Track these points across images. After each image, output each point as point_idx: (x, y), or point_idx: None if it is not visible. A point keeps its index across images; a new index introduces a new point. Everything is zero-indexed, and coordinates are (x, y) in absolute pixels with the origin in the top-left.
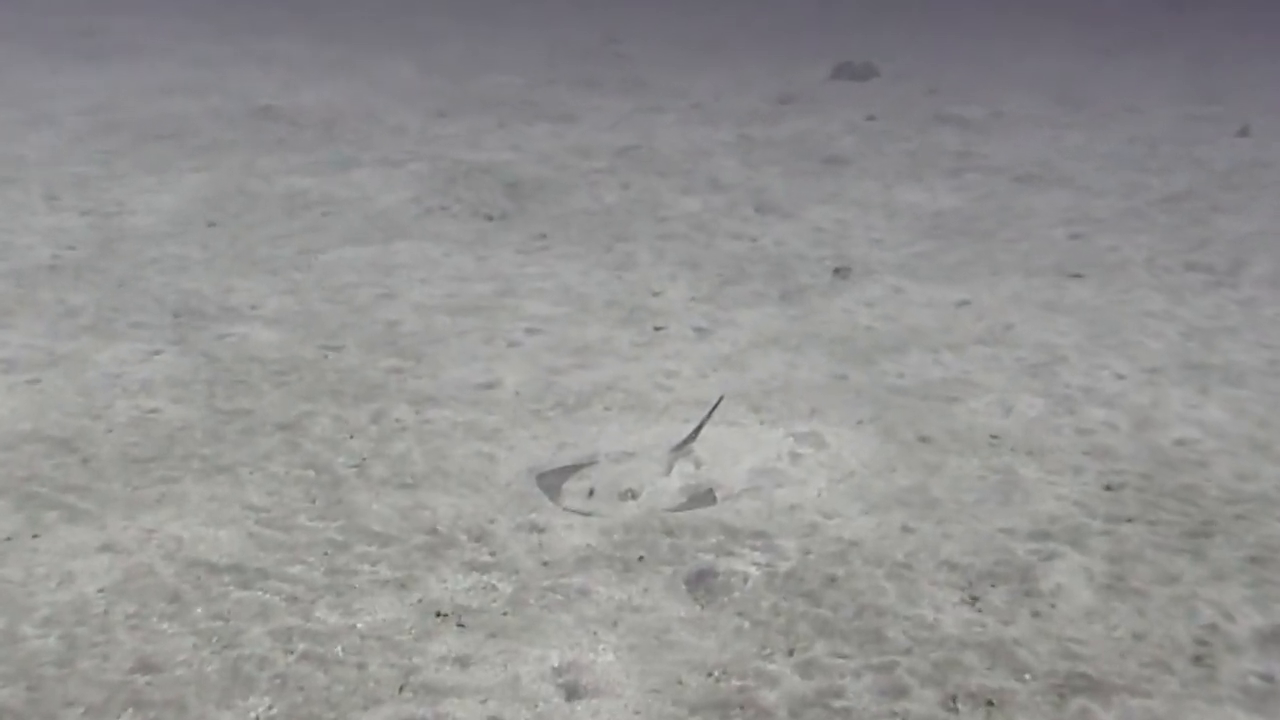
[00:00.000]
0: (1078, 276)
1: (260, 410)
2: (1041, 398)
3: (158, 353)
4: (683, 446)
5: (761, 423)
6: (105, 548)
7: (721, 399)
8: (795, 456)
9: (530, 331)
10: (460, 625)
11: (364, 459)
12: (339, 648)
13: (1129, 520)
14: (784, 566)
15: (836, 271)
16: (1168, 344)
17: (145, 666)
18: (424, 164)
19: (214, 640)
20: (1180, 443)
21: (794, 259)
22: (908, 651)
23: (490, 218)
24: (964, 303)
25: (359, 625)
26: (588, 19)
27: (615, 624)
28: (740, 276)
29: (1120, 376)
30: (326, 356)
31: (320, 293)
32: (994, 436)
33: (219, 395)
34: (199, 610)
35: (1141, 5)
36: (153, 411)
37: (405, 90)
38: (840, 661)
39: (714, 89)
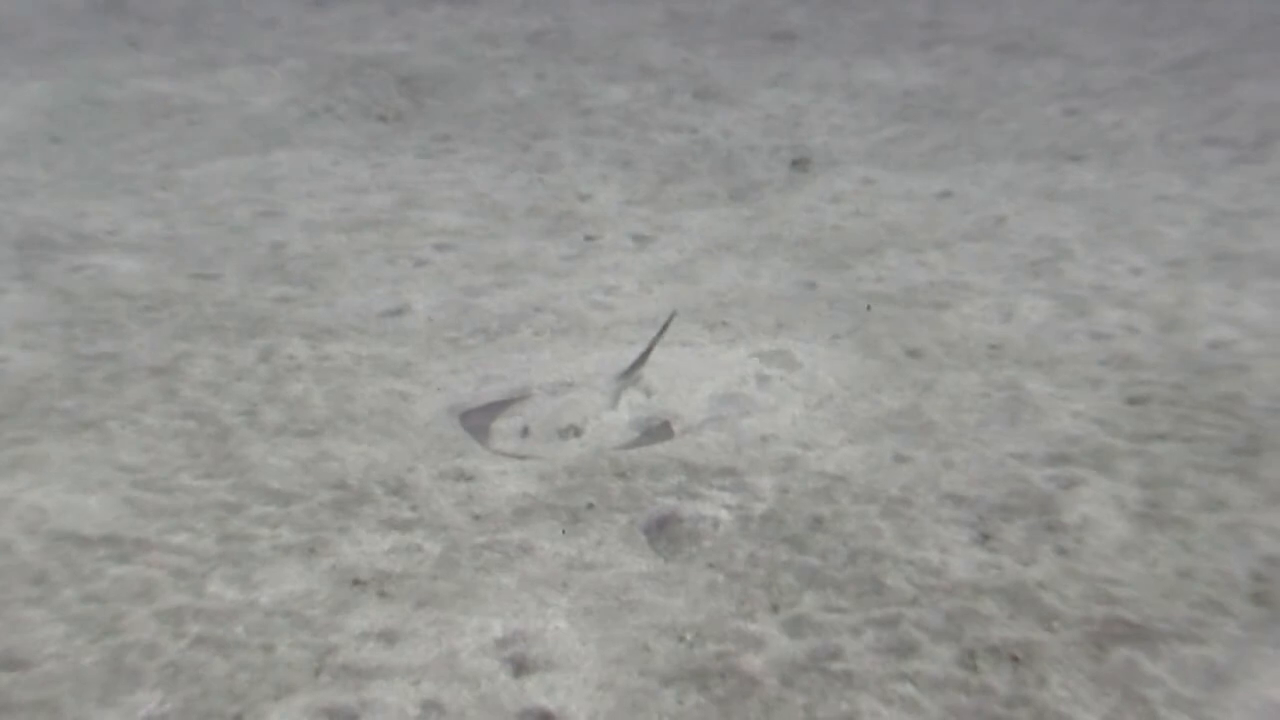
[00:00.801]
0: (1077, 159)
1: (128, 353)
2: (1046, 299)
3: (1, 292)
4: (630, 373)
5: (719, 342)
6: None
7: (673, 316)
8: (763, 379)
9: (440, 248)
10: (382, 594)
11: (254, 405)
12: (240, 628)
13: (1161, 438)
14: (759, 508)
15: (794, 164)
16: (1189, 232)
17: (8, 662)
18: (302, 60)
19: (90, 627)
20: (1215, 345)
21: (744, 151)
22: (913, 602)
23: (384, 119)
24: (946, 194)
25: (262, 600)
26: None
27: (565, 585)
28: (682, 174)
29: (1137, 271)
30: (202, 287)
31: (190, 213)
32: (993, 346)
33: (78, 338)
34: (69, 592)
35: None
36: (0, 361)
37: None
38: (834, 617)
39: None
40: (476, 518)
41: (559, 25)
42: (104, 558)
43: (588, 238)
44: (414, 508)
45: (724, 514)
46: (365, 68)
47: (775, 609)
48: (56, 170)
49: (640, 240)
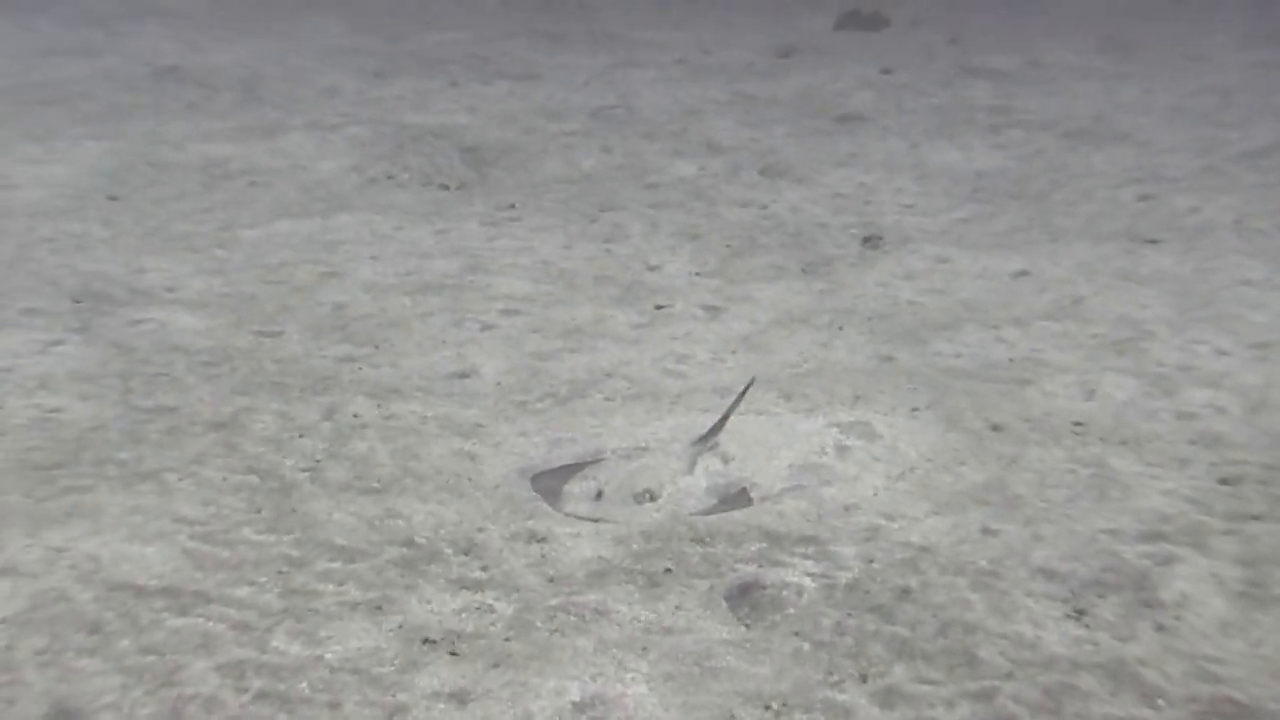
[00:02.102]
0: (1154, 242)
1: (187, 407)
2: (1131, 378)
3: (57, 343)
4: (707, 439)
5: (796, 412)
6: (4, 571)
7: (752, 382)
8: (842, 449)
9: (507, 313)
10: (453, 654)
11: (318, 461)
12: (304, 684)
13: (1256, 518)
14: (844, 577)
15: (866, 240)
16: (1273, 315)
17: (62, 712)
18: (363, 128)
19: (146, 678)
20: None
21: (813, 227)
22: (1009, 676)
23: (447, 187)
24: (1022, 273)
25: (327, 656)
26: None
27: (644, 649)
28: (752, 248)
29: (1223, 353)
30: (263, 344)
31: (251, 272)
32: (1078, 424)
33: (135, 391)
34: (125, 643)
35: None
36: (55, 411)
37: (334, 49)
38: (927, 689)
39: (699, 42)
40: (550, 580)
41: (623, 102)
42: (162, 609)
43: (658, 307)
44: (485, 568)
45: (808, 582)
46: (427, 137)
47: (864, 679)
48: (114, 227)
49: (711, 310)
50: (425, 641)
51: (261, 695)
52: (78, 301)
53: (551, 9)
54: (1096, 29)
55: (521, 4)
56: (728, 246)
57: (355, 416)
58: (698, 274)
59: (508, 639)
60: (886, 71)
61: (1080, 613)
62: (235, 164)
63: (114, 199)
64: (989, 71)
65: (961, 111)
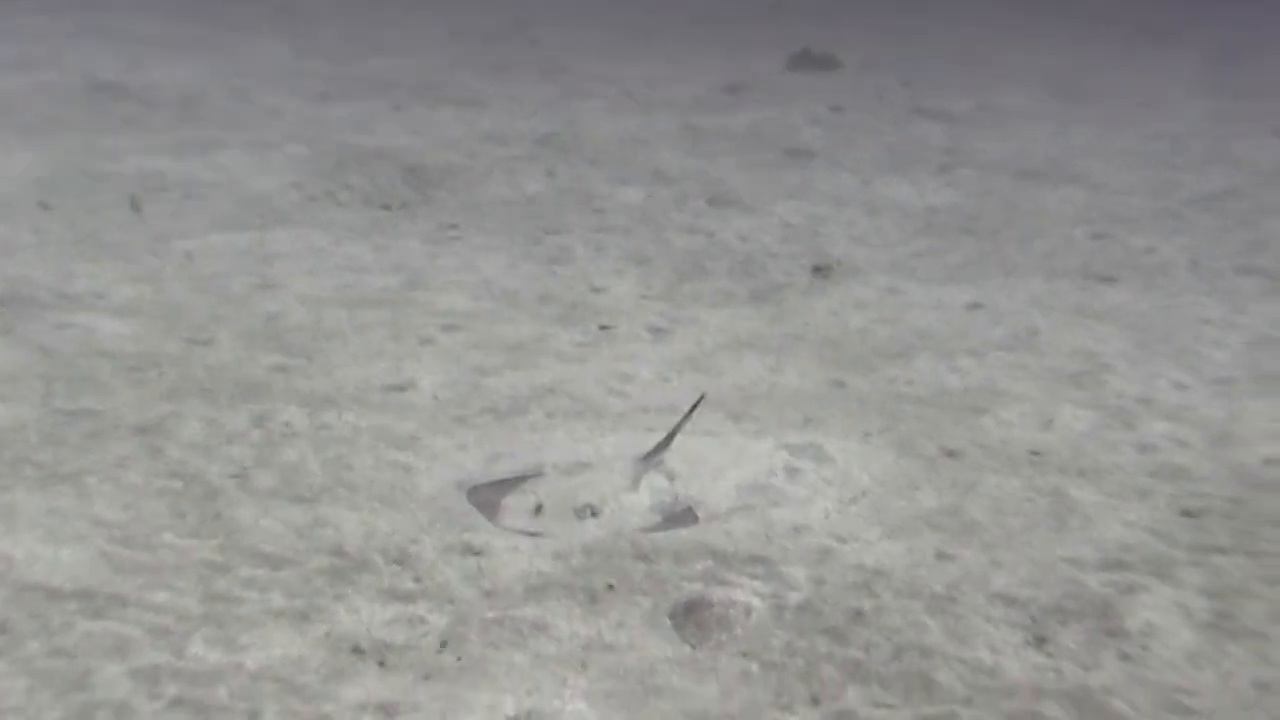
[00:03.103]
0: (1110, 280)
1: (111, 411)
2: (1089, 410)
3: None
4: (652, 456)
5: (745, 433)
6: None
7: (702, 398)
8: (792, 471)
9: (447, 328)
10: (382, 664)
11: (245, 468)
12: (222, 691)
13: (1221, 551)
14: (794, 598)
15: (816, 269)
16: (1233, 353)
17: None
18: (304, 147)
19: (55, 681)
20: (1271, 462)
21: (763, 255)
22: (968, 701)
23: (388, 206)
24: (976, 305)
25: (248, 663)
26: (496, 5)
27: (584, 665)
28: (699, 273)
29: (1183, 387)
30: (193, 351)
31: (183, 282)
32: (1035, 453)
33: (58, 393)
34: (34, 645)
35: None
36: None
37: (279, 71)
38: (882, 713)
39: (648, 76)
40: (486, 593)
41: (569, 130)
42: (75, 612)
43: (602, 327)
44: (417, 579)
45: (756, 601)
46: (369, 158)
47: (816, 701)
48: (44, 234)
49: (657, 332)
50: (353, 651)
51: (176, 702)
52: (1, 304)
53: (500, 41)
54: (1049, 77)
55: (470, 36)
56: (675, 271)
57: (286, 425)
58: (644, 296)
59: (440, 651)
60: (837, 109)
61: (1041, 640)
62: (171, 177)
63: (45, 207)
64: (941, 113)
65: (913, 150)
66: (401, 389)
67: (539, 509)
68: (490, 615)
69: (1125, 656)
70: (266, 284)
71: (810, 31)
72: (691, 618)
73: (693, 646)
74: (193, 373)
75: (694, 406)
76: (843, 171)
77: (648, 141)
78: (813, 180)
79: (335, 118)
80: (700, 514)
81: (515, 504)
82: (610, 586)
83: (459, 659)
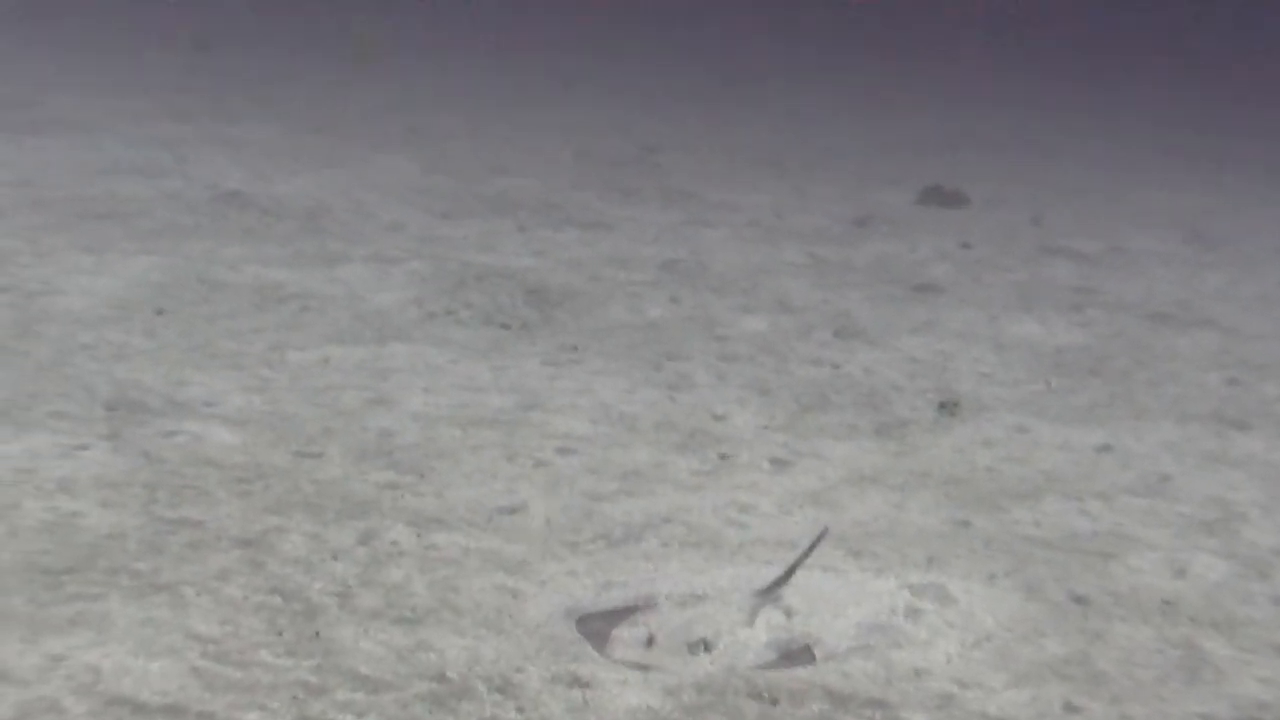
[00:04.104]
0: (1243, 427)
1: (214, 522)
2: (1223, 559)
3: (83, 447)
4: (770, 591)
5: (865, 570)
6: None
7: (825, 532)
8: (914, 612)
9: (562, 451)
10: None
11: (348, 587)
12: None
13: None
14: None
15: (942, 406)
16: None
17: None
18: (426, 263)
19: None
20: None
21: (888, 389)
22: None
23: (508, 326)
24: (1105, 447)
25: None
26: (622, 128)
27: None
28: (823, 405)
29: None
30: (301, 465)
31: (296, 394)
32: (1167, 602)
33: (161, 501)
34: None
35: (1272, 145)
36: (73, 515)
37: (403, 187)
38: None
39: (774, 207)
40: None
41: (693, 256)
42: None
43: (722, 456)
44: (520, 709)
45: None
46: (491, 276)
47: None
48: (158, 339)
49: (778, 464)
50: None
51: None
52: (111, 409)
53: (625, 165)
54: (1181, 221)
55: (595, 159)
56: (798, 402)
57: (393, 544)
58: (765, 427)
59: None
60: (966, 246)
61: None
62: (290, 288)
63: (161, 313)
64: (1071, 252)
65: (1042, 288)
66: (513, 511)
67: (650, 641)
68: None
69: None
70: (380, 399)
71: (938, 166)
72: None
73: None
74: (300, 486)
75: (816, 540)
76: (970, 308)
77: (773, 271)
78: (940, 316)
79: (458, 236)
80: (818, 653)
81: (626, 635)
82: None
83: None
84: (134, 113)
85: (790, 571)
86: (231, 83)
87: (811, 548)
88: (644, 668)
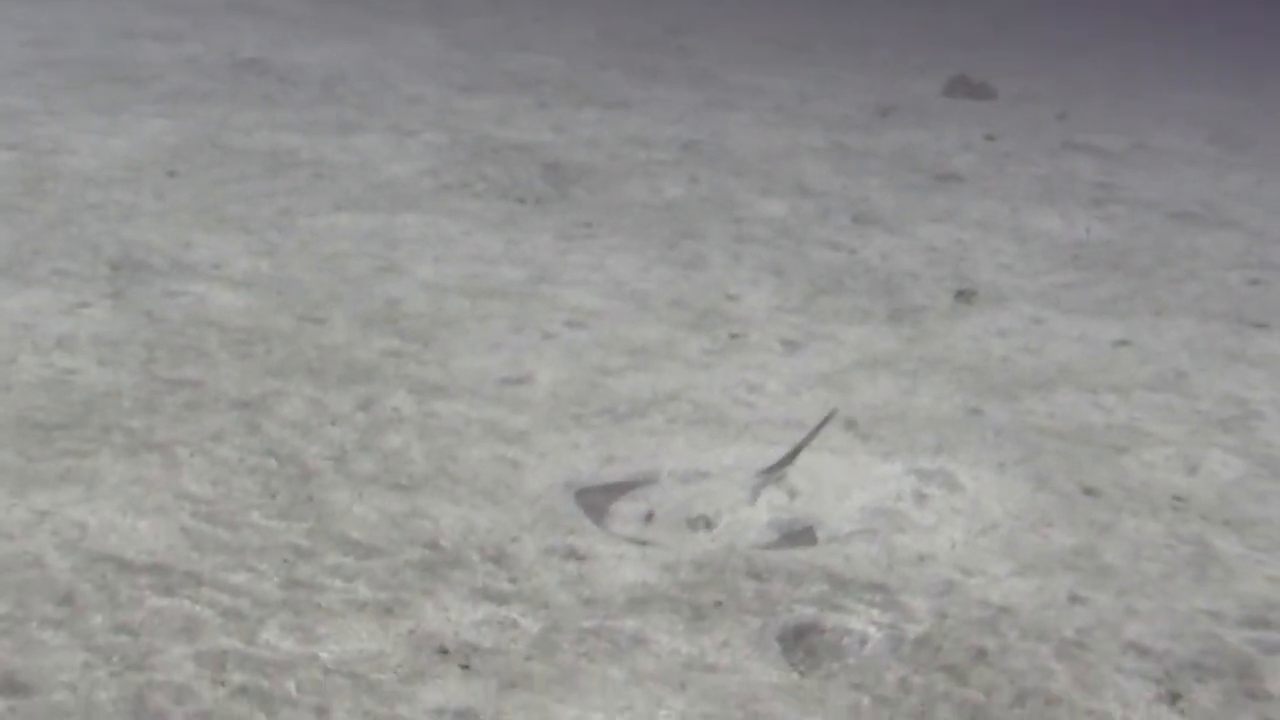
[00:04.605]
0: (1263, 326)
1: (213, 383)
2: (1238, 457)
3: (84, 305)
4: (774, 470)
5: (873, 454)
6: None
7: (833, 413)
8: (920, 497)
9: (571, 324)
10: (465, 667)
11: (345, 451)
12: (291, 683)
13: None
14: (914, 630)
15: (959, 294)
16: None
17: (9, 685)
18: (443, 135)
19: (114, 659)
20: None
21: (904, 276)
22: None
23: (523, 200)
24: (1123, 342)
25: (322, 655)
26: (650, 9)
27: (683, 685)
28: (837, 288)
29: None
30: (305, 329)
31: (304, 258)
32: (1178, 498)
33: (160, 361)
34: (98, 619)
35: None
36: (69, 372)
37: (424, 60)
38: None
39: (799, 92)
40: (585, 600)
41: (714, 138)
42: (145, 587)
43: (733, 335)
44: (513, 580)
45: (872, 631)
46: (508, 151)
47: None
48: (167, 201)
49: (789, 345)
50: (437, 651)
51: (240, 690)
52: (115, 268)
53: (650, 46)
54: (1208, 121)
55: (621, 39)
56: (812, 285)
57: (393, 410)
58: (778, 308)
59: (529, 658)
60: (990, 137)
61: (1175, 696)
62: (304, 155)
63: (172, 174)
64: (1094, 149)
65: (1064, 182)
66: (518, 382)
67: (650, 516)
68: (587, 624)
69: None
70: (389, 267)
71: (967, 59)
72: (802, 643)
73: (801, 674)
74: (302, 350)
75: (824, 421)
76: (991, 199)
77: (794, 156)
78: (960, 205)
79: (477, 110)
80: (819, 534)
81: (625, 510)
82: (718, 603)
83: (549, 668)
84: None
85: (795, 452)
86: None
87: (818, 429)
88: (642, 543)
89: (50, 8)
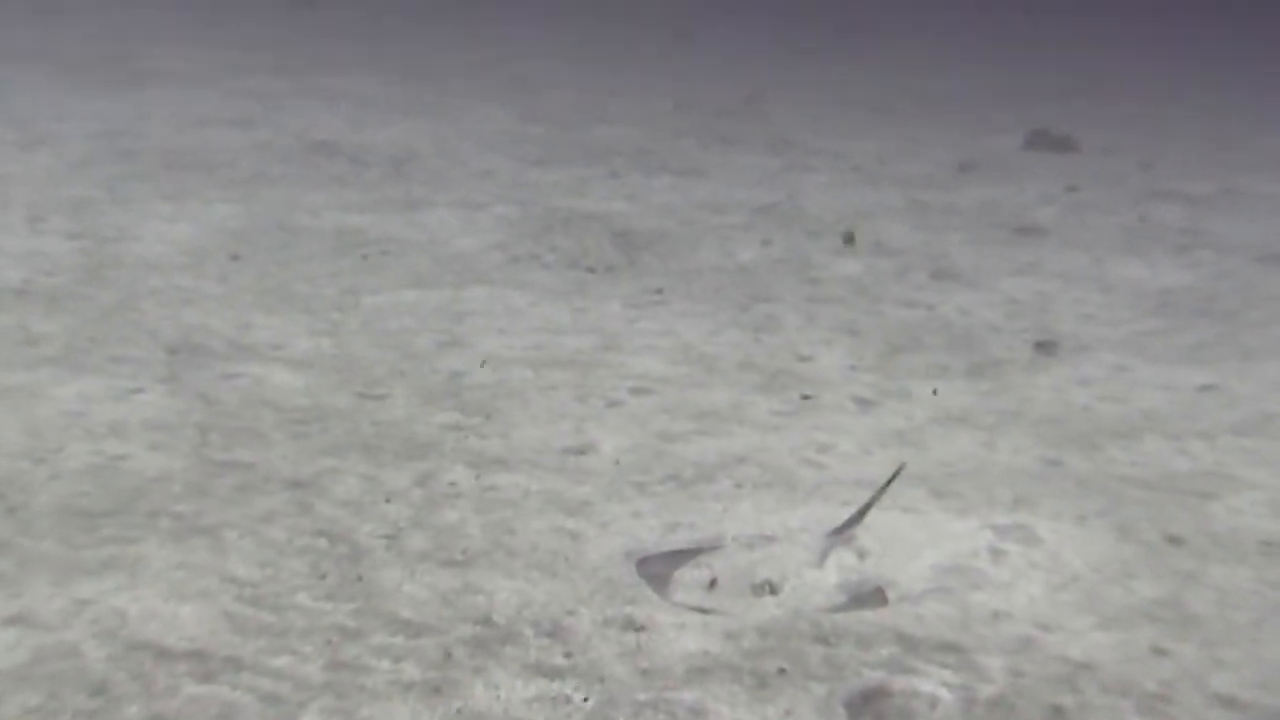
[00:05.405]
0: None
1: (265, 464)
2: None
3: (138, 390)
4: (843, 531)
5: (948, 511)
6: (14, 620)
7: (902, 469)
8: (997, 553)
9: (637, 391)
10: None
11: (399, 528)
12: None
13: None
14: (987, 691)
15: (1039, 345)
16: None
17: None
18: (513, 208)
19: None
20: None
21: (983, 330)
22: None
23: (593, 270)
24: (1209, 387)
25: None
26: (729, 79)
27: None
28: (914, 346)
29: None
30: (364, 406)
31: (366, 336)
32: (1267, 543)
33: (212, 444)
34: (132, 709)
35: None
36: (118, 458)
37: (497, 135)
38: None
39: (878, 153)
40: (642, 672)
41: (790, 201)
42: (183, 674)
43: (804, 396)
44: (568, 654)
45: (944, 693)
46: (579, 220)
47: None
48: (230, 285)
49: (863, 404)
50: None
51: None
52: (172, 353)
53: (728, 114)
54: None
55: (698, 108)
56: (888, 343)
57: (450, 485)
58: (853, 367)
59: None
60: (1072, 189)
61: None
62: (371, 234)
63: (235, 258)
64: (1181, 195)
65: (1149, 231)
66: (580, 452)
67: (713, 583)
68: (643, 697)
69: None
70: (453, 341)
71: (1048, 113)
72: (869, 708)
73: None
74: (359, 428)
75: (892, 478)
76: (1074, 250)
77: (871, 215)
78: (1042, 258)
79: (549, 182)
80: (891, 595)
81: (688, 577)
82: (782, 670)
83: None
84: (233, 66)
85: (863, 511)
86: (334, 37)
87: (887, 485)
88: (704, 611)
89: (122, 100)
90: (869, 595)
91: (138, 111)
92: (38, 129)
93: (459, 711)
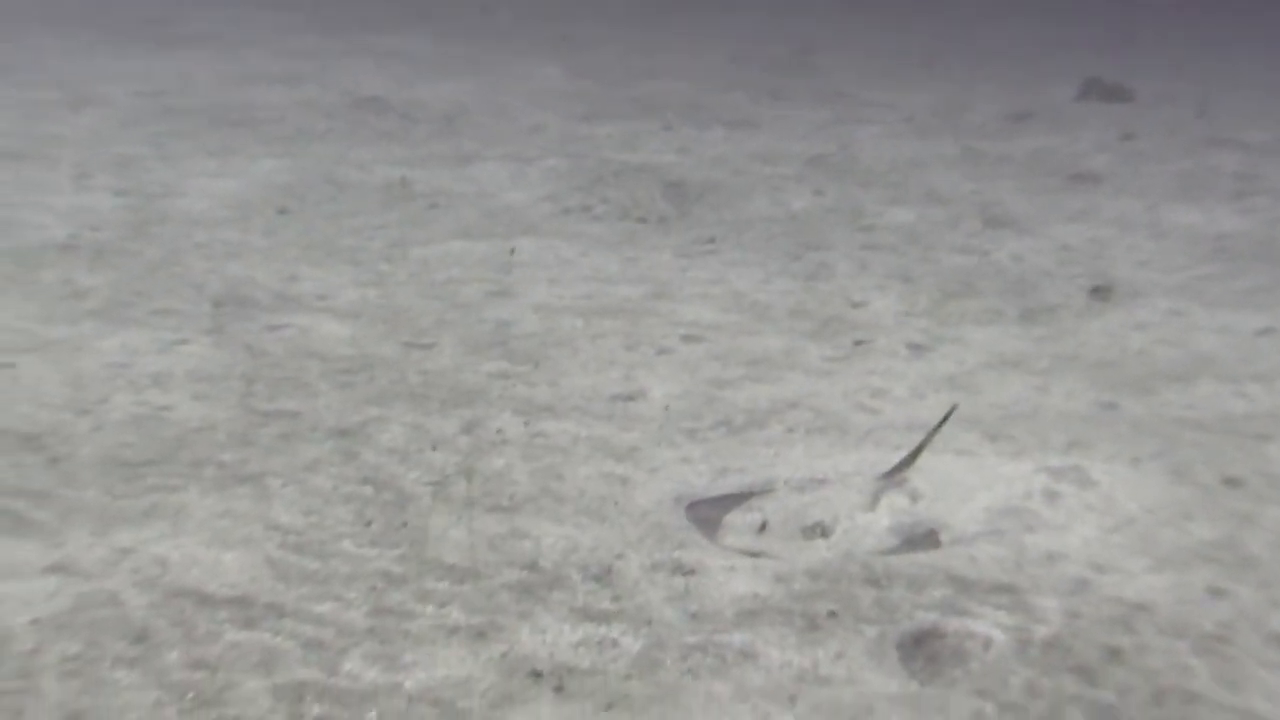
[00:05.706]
0: None
1: (311, 413)
2: None
3: (183, 342)
4: (895, 474)
5: (1001, 454)
6: (55, 568)
7: (953, 410)
8: (1051, 495)
9: (688, 339)
10: (559, 690)
11: (445, 476)
12: (373, 713)
13: None
14: (1042, 632)
15: (1094, 290)
16: None
17: None
18: (563, 161)
19: (187, 696)
20: None
21: (1037, 276)
22: None
23: (644, 220)
24: (1267, 330)
25: (406, 684)
26: (780, 33)
27: (793, 699)
28: (967, 291)
29: None
30: (410, 355)
31: (413, 287)
32: None
33: (257, 394)
34: (173, 655)
35: None
36: (163, 409)
37: (548, 91)
38: None
39: (931, 104)
40: (691, 616)
41: (842, 152)
42: (225, 620)
43: (857, 342)
44: (616, 598)
45: (997, 634)
46: (630, 173)
47: None
48: (276, 238)
49: (916, 349)
50: (529, 674)
51: None
52: (217, 305)
53: (778, 68)
54: None
55: (749, 62)
56: (941, 289)
57: (498, 432)
58: (906, 313)
59: (629, 678)
60: (1127, 137)
61: None
62: (420, 187)
63: (283, 212)
64: (1236, 143)
65: (1204, 177)
66: (630, 399)
67: (763, 527)
68: (692, 640)
69: None
70: (502, 291)
71: (1102, 64)
72: (921, 650)
73: (920, 682)
74: (406, 377)
75: (943, 420)
76: (1129, 197)
77: (924, 165)
78: (1096, 205)
79: (600, 135)
80: (943, 538)
81: (738, 521)
82: (832, 613)
83: (649, 687)
84: (281, 26)
85: (915, 454)
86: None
87: (938, 427)
88: (755, 554)
89: (169, 60)
90: (921, 537)
91: (183, 71)
92: (84, 90)
93: (504, 656)
